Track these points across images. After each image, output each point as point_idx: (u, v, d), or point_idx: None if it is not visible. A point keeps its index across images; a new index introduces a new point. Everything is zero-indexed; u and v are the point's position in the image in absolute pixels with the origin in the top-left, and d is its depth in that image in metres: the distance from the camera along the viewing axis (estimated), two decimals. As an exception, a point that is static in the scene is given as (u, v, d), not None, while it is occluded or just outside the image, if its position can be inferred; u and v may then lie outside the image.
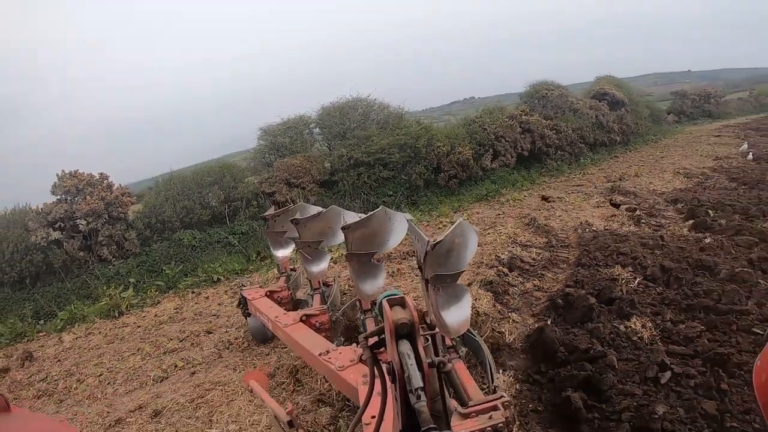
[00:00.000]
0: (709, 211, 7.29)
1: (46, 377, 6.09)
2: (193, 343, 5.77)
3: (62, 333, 7.86)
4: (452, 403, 2.19)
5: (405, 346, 1.67)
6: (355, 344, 3.60)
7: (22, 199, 10.40)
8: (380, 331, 1.89)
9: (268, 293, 5.30)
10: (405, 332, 1.69)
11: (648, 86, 63.74)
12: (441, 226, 9.58)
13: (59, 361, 6.61)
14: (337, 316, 4.67)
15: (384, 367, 1.84)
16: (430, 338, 2.11)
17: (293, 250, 5.52)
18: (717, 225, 6.64)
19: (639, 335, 3.67)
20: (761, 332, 3.67)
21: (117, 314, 7.97)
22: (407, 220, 3.44)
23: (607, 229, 7.19)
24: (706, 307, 4.08)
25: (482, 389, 2.74)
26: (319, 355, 3.46)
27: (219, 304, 7.24)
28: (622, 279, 4.80)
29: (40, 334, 8.16)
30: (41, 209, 9.83)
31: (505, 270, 5.69)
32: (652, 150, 17.53)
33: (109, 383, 5.33)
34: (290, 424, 2.51)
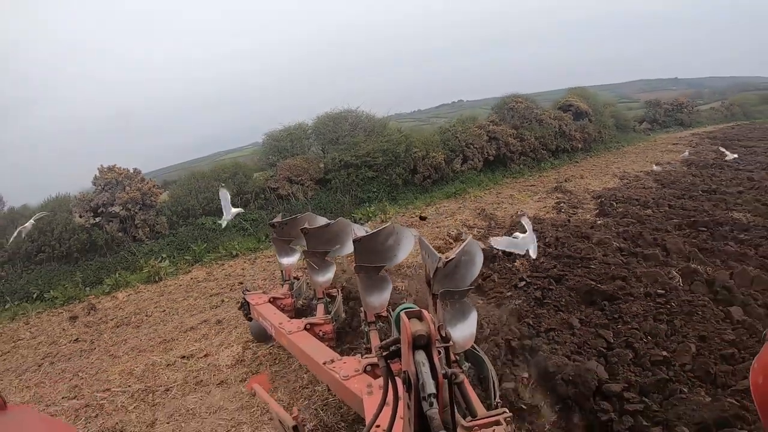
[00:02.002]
0: (614, 203, 9.97)
1: (116, 317, 8.53)
2: (231, 289, 8.29)
3: (111, 294, 10.25)
4: (457, 416, 2.26)
5: (421, 356, 1.76)
6: (359, 354, 3.75)
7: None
8: (394, 343, 1.98)
9: (271, 299, 5.54)
10: (422, 343, 1.77)
11: (635, 92, 66.48)
12: (414, 216, 12.20)
13: (120, 309, 9.04)
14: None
15: (397, 378, 1.95)
16: (443, 350, 2.15)
17: (299, 258, 5.95)
18: (614, 212, 9.31)
19: (517, 268, 6.28)
20: (594, 267, 6.25)
21: (157, 279, 10.41)
22: (415, 236, 3.80)
23: (534, 216, 9.82)
24: (567, 256, 6.70)
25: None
26: (324, 363, 3.62)
27: (242, 269, 9.77)
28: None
29: (90, 296, 10.54)
30: (84, 197, 12.25)
31: (451, 240, 8.32)
32: (611, 156, 20.29)
33: (173, 314, 7.81)
34: (295, 429, 2.58)
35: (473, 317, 3.07)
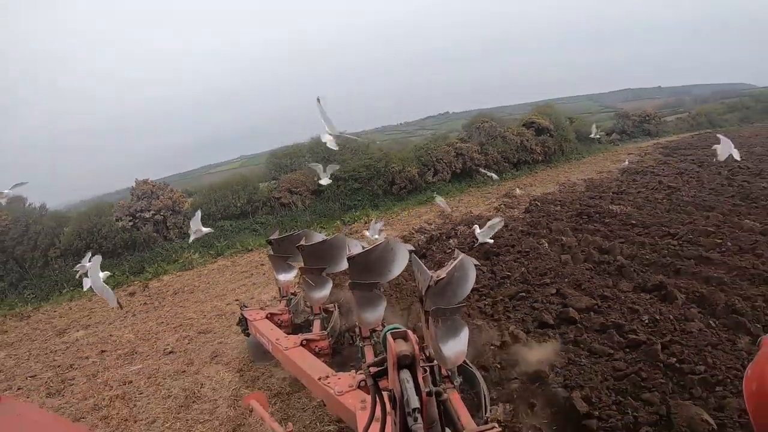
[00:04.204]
0: (537, 203, 13.82)
1: (170, 289, 12.16)
2: (256, 268, 12.00)
3: (155, 279, 13.87)
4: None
5: (406, 375, 2.00)
6: (353, 371, 3.98)
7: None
8: (382, 361, 2.27)
9: (268, 315, 5.89)
10: (406, 363, 2.01)
11: (619, 101, 70.51)
12: (390, 219, 16.04)
13: (170, 285, 12.67)
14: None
15: (385, 394, 2.23)
16: (428, 369, 2.38)
17: (296, 275, 6.26)
18: (536, 209, 13.16)
19: (451, 244, 10.10)
20: (499, 241, 10.06)
21: (190, 267, 14.06)
22: (409, 251, 3.98)
23: (479, 214, 13.66)
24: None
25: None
26: (319, 379, 3.89)
27: (260, 257, 13.46)
28: (462, 230, 11.26)
29: (135, 282, 14.11)
30: (123, 204, 15.91)
31: (414, 231, 12.17)
32: (568, 166, 24.18)
33: (216, 284, 11.48)
34: None
35: (464, 334, 3.22)
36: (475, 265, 6.88)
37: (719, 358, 4.67)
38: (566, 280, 7.24)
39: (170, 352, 7.67)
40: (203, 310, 9.45)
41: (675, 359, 4.67)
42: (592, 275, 7.41)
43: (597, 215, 11.31)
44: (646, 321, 5.70)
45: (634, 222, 10.16)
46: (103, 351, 8.63)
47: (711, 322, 5.55)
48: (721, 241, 8.17)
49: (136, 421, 5.72)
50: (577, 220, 11.22)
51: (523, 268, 7.82)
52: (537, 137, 24.55)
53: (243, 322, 6.42)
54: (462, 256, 3.38)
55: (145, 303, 11.37)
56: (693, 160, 20.07)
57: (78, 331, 10.39)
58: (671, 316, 5.67)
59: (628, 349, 5.16)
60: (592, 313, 5.96)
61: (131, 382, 6.92)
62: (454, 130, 27.88)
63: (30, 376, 8.19)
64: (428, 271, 3.17)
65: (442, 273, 3.13)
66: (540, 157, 24.12)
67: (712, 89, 65.93)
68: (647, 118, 38.58)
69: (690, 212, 10.58)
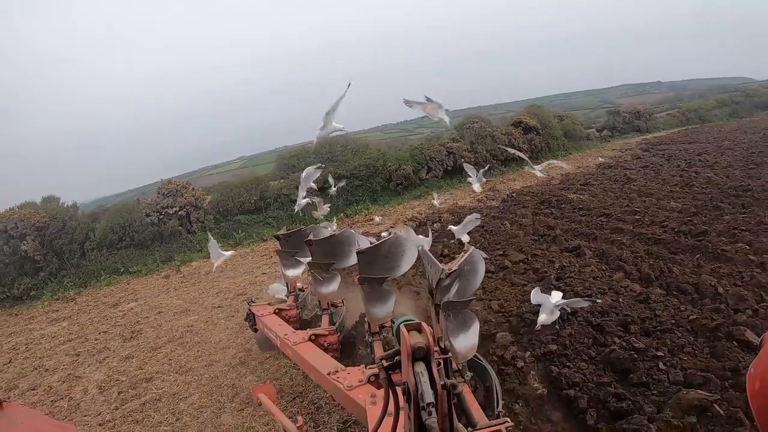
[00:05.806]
0: (513, 194, 16.72)
1: (200, 272, 15.06)
2: (273, 253, 14.87)
3: (184, 265, 16.74)
4: (458, 425, 2.41)
5: (420, 368, 2.02)
6: (363, 365, 4.16)
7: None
8: (395, 354, 2.29)
9: (276, 311, 6.06)
10: (421, 355, 2.03)
11: (618, 97, 72.60)
12: (388, 212, 18.95)
13: (200, 269, 15.52)
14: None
15: (398, 388, 2.26)
16: (442, 362, 2.28)
17: (304, 271, 6.50)
18: (510, 200, 16.05)
19: (438, 227, 13.01)
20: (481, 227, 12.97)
21: (213, 256, 16.95)
22: (419, 247, 4.17)
23: (463, 205, 16.55)
24: (463, 220, 13.44)
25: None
26: (328, 374, 4.09)
27: (274, 246, 16.34)
28: (445, 217, 14.17)
29: (166, 268, 16.96)
30: (151, 201, 18.85)
31: (406, 220, 15.10)
32: (554, 163, 27.10)
33: (241, 266, 14.36)
34: None
35: (475, 327, 3.33)
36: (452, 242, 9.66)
37: (595, 282, 7.53)
38: (513, 246, 10.13)
39: (218, 307, 10.59)
40: (236, 282, 12.34)
41: (564, 284, 7.54)
42: (533, 243, 10.31)
43: (556, 202, 14.19)
44: (557, 266, 8.56)
45: (581, 206, 13.04)
46: (159, 312, 11.45)
47: (603, 267, 8.41)
48: (640, 217, 11.01)
49: (207, 343, 8.63)
50: (539, 207, 14.10)
51: (483, 240, 10.74)
52: (524, 135, 27.28)
53: (251, 318, 6.73)
54: (472, 249, 3.51)
55: (182, 282, 14.25)
56: (664, 155, 22.81)
57: (129, 303, 13.18)
58: (576, 264, 8.54)
59: (537, 282, 7.99)
60: (521, 264, 8.86)
61: (192, 326, 9.82)
62: (450, 129, 30.79)
63: (101, 332, 10.96)
64: (439, 264, 3.34)
65: (454, 266, 3.27)
66: (527, 155, 26.87)
67: (711, 84, 67.14)
68: (638, 114, 41.06)
69: (632, 198, 13.39)
